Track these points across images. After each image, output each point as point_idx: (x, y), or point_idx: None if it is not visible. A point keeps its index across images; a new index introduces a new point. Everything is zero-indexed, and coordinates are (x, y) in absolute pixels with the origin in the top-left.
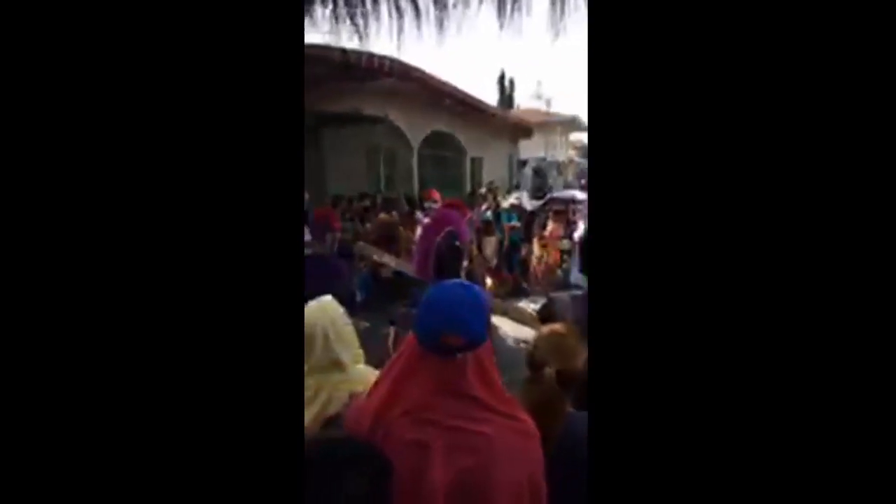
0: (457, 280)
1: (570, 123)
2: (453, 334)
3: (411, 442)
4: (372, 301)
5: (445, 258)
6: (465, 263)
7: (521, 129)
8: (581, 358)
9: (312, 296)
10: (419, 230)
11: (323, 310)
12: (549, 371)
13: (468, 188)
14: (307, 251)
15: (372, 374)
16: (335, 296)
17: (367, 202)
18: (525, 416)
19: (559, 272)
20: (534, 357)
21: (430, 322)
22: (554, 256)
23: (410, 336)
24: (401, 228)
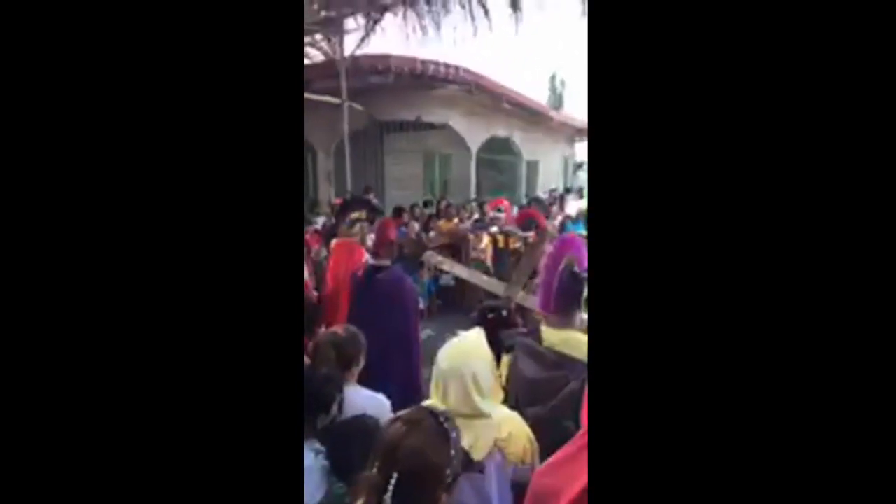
0: None
1: None
2: None
3: None
4: (435, 309)
5: (567, 289)
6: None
7: (577, 131)
8: None
9: (382, 309)
10: (543, 260)
11: (470, 351)
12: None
13: (523, 192)
14: (375, 261)
15: (514, 420)
16: (406, 307)
17: (431, 209)
18: None
19: None
20: None
21: None
22: None
23: None
24: (468, 236)
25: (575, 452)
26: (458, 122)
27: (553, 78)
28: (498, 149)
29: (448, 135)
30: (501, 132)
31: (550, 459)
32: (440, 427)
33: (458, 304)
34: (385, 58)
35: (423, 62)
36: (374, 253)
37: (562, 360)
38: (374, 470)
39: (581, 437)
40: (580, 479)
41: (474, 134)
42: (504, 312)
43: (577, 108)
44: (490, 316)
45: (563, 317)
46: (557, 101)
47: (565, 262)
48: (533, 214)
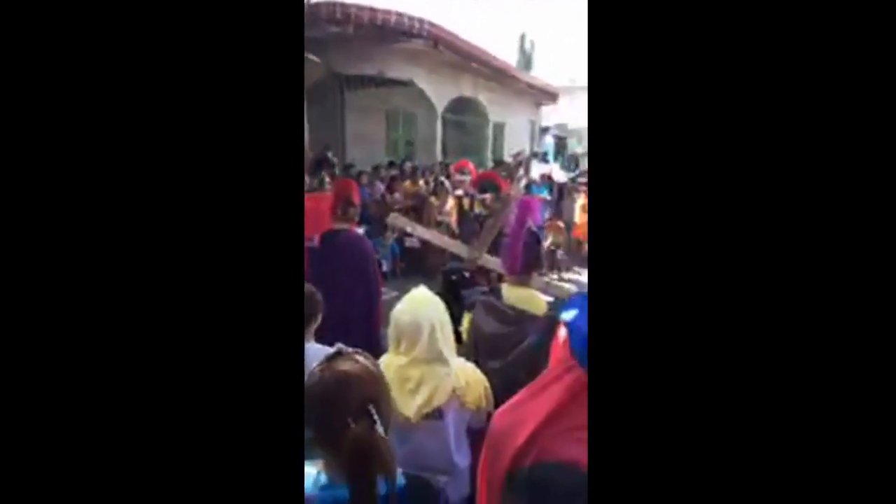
0: None
1: None
2: None
3: (568, 461)
4: (398, 271)
5: (529, 250)
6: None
7: (545, 94)
8: None
9: (340, 270)
10: (507, 224)
11: (431, 304)
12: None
13: (490, 154)
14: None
15: (471, 370)
16: (365, 270)
17: (394, 171)
18: None
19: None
20: None
21: None
22: (584, 230)
23: (565, 359)
24: (430, 199)
25: (531, 395)
26: (422, 80)
27: (522, 38)
28: (464, 109)
29: (412, 93)
30: (468, 92)
31: (510, 401)
32: (353, 355)
33: (422, 266)
34: (345, 6)
35: (386, 13)
36: (334, 214)
37: (520, 317)
38: (351, 420)
39: (536, 382)
40: (535, 418)
41: (440, 93)
42: (467, 274)
43: (545, 71)
44: (453, 277)
45: (523, 276)
46: (526, 62)
47: (528, 224)
48: (492, 176)
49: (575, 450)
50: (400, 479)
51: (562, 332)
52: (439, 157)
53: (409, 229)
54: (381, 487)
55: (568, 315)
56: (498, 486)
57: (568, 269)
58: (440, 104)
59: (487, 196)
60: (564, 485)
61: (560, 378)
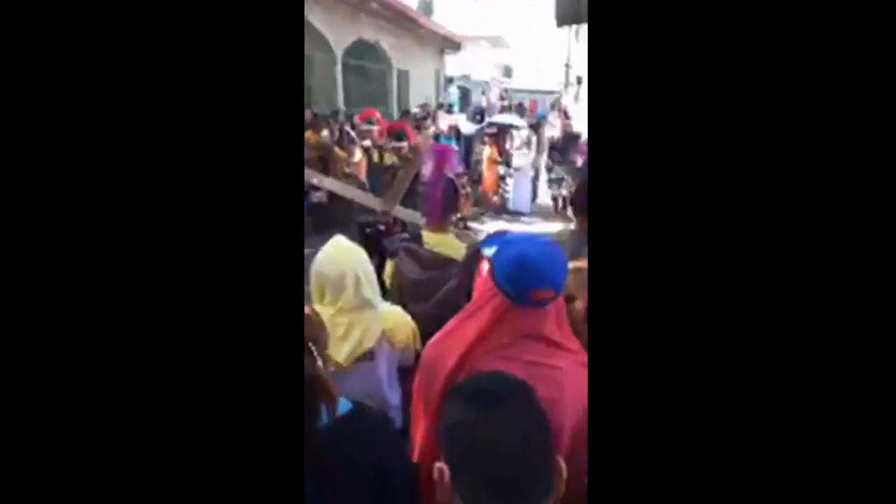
0: (532, 236)
1: (496, 41)
2: (545, 290)
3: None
4: (310, 228)
5: (448, 197)
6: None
7: (449, 43)
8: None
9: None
10: (425, 173)
11: (352, 253)
12: (579, 303)
13: (395, 104)
14: None
15: (397, 312)
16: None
17: None
18: (582, 351)
19: (496, 198)
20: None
21: (525, 281)
22: (491, 182)
23: (489, 288)
24: (336, 149)
25: (459, 323)
26: (318, 19)
27: None
28: (366, 55)
29: (308, 33)
30: (368, 35)
31: (437, 334)
32: None
33: (331, 222)
34: None
35: None
36: None
37: (441, 261)
38: None
39: (463, 311)
40: (465, 342)
41: (339, 35)
42: (382, 227)
43: (446, 17)
44: (368, 231)
45: (442, 223)
46: (426, 7)
47: (445, 172)
48: (403, 126)
49: (501, 365)
50: (346, 405)
51: (484, 266)
52: (341, 105)
53: (315, 181)
54: (324, 416)
55: (489, 250)
56: (434, 407)
57: (475, 219)
58: (339, 48)
59: (403, 145)
60: (497, 386)
61: (485, 305)
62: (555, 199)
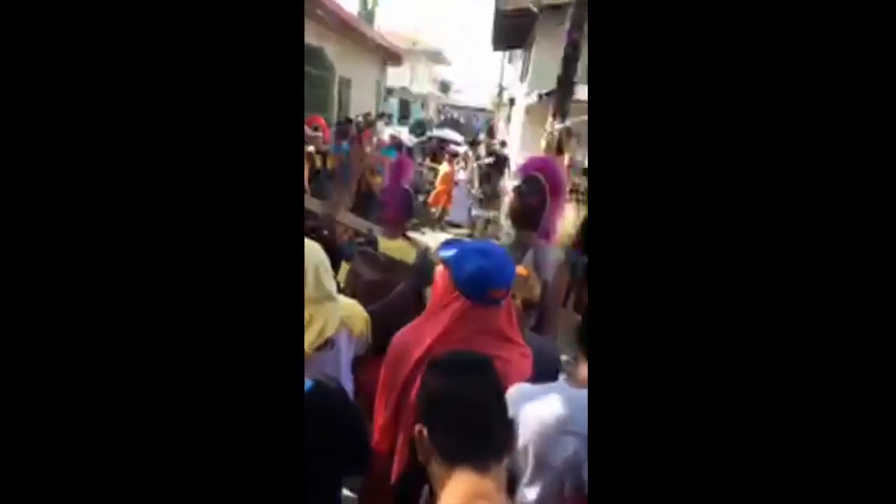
0: (480, 242)
1: (435, 56)
2: (500, 289)
3: None
4: None
5: (404, 205)
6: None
7: (391, 55)
8: (537, 292)
9: None
10: (379, 181)
11: (310, 248)
12: (516, 301)
13: (335, 111)
14: None
15: (353, 303)
16: None
17: None
18: (524, 343)
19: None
20: None
21: (482, 282)
22: (446, 198)
23: (449, 290)
24: None
25: (424, 319)
26: None
27: None
28: (309, 59)
29: None
30: (313, 41)
31: (404, 328)
32: None
33: None
34: None
35: None
36: None
37: (394, 265)
38: None
39: (428, 310)
40: (430, 336)
41: None
42: (325, 232)
43: (388, 29)
44: (313, 236)
45: (396, 229)
46: (369, 17)
47: (402, 183)
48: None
49: None
50: (308, 383)
51: (440, 269)
52: None
53: None
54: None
55: (447, 254)
56: (398, 389)
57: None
58: None
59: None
60: (467, 359)
61: (447, 305)
62: (485, 219)
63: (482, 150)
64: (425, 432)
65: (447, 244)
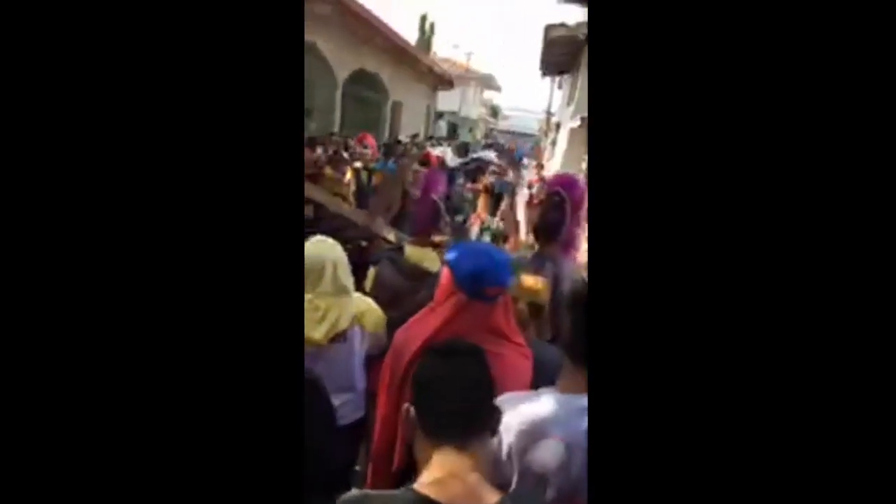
0: (482, 244)
1: (486, 81)
2: (496, 287)
3: None
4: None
5: (434, 216)
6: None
7: (442, 80)
8: (545, 298)
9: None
10: (418, 194)
11: (329, 245)
12: (522, 306)
13: (386, 132)
14: None
15: (367, 300)
16: None
17: None
18: (524, 343)
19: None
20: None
21: (478, 279)
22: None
23: (449, 287)
24: (327, 168)
25: (424, 315)
26: (325, 46)
27: (423, 19)
28: (365, 83)
29: (313, 58)
30: (370, 66)
31: (406, 322)
32: None
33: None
34: None
35: None
36: None
37: (419, 273)
38: None
39: (428, 306)
40: (429, 330)
41: (342, 62)
42: (364, 243)
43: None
44: (349, 246)
45: (423, 238)
46: (425, 44)
47: (431, 195)
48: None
49: None
50: None
51: (444, 270)
52: (336, 128)
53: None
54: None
55: (450, 255)
56: (398, 382)
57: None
58: (341, 75)
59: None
60: (460, 346)
61: (445, 301)
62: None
63: (525, 173)
64: (412, 411)
65: (454, 246)
